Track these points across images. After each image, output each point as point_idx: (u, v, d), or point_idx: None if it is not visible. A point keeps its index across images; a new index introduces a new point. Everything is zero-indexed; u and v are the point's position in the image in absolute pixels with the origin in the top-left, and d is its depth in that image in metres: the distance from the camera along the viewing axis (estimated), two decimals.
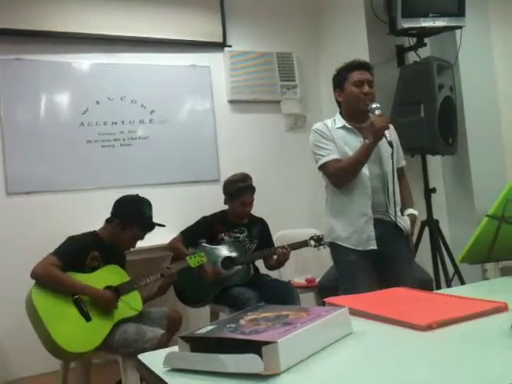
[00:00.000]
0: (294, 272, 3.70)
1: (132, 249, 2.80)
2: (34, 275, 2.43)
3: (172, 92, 4.15)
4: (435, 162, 3.94)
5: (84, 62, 3.89)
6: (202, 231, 3.26)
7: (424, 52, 3.81)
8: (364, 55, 3.80)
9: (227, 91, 4.35)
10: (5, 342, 3.44)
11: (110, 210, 2.75)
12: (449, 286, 3.36)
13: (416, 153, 3.58)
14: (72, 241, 2.57)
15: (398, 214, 2.42)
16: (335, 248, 2.47)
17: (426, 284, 3.14)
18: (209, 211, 3.34)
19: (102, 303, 2.47)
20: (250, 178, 3.32)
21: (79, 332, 2.40)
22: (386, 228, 2.37)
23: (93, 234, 2.69)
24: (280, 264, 3.30)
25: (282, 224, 3.83)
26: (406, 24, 3.55)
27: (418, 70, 3.58)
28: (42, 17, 3.70)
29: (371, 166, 2.37)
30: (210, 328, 1.00)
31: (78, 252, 2.54)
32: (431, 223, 3.54)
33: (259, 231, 3.37)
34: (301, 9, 4.68)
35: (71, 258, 2.49)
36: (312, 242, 3.29)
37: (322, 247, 3.25)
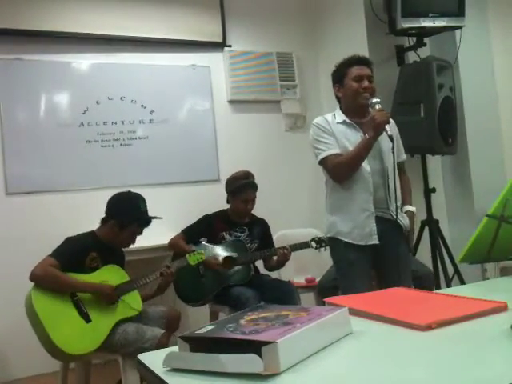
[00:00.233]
0: (293, 272, 3.69)
1: (132, 245, 2.78)
2: (33, 277, 2.42)
3: (172, 92, 4.15)
4: (435, 162, 3.94)
5: (84, 61, 3.90)
6: (203, 230, 3.26)
7: (424, 52, 3.80)
8: (364, 55, 3.79)
9: (227, 91, 4.35)
10: (4, 342, 3.44)
11: (105, 210, 2.74)
12: (448, 285, 3.36)
13: (416, 152, 3.58)
14: (70, 242, 2.57)
15: (399, 210, 2.42)
16: (336, 243, 2.45)
17: (426, 277, 3.13)
18: (208, 211, 3.34)
19: (104, 296, 2.47)
20: (253, 176, 3.32)
21: (79, 333, 2.39)
22: (386, 225, 2.37)
23: (91, 234, 2.68)
24: (280, 265, 3.30)
25: (281, 224, 3.83)
26: (406, 24, 3.55)
27: (417, 70, 3.58)
28: (41, 17, 3.71)
29: (372, 161, 2.36)
30: (209, 328, 1.00)
31: (77, 252, 2.53)
32: (431, 223, 3.54)
33: (260, 231, 3.37)
34: (301, 9, 4.68)
35: (70, 258, 2.49)
36: (313, 244, 3.27)
37: (322, 249, 3.23)
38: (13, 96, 3.65)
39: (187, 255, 2.88)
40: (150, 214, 2.75)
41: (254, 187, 3.29)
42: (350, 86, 2.40)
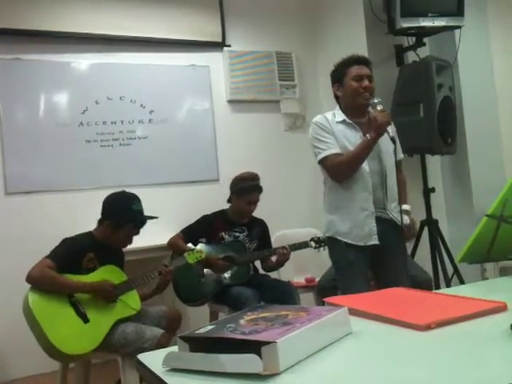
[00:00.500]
0: (293, 272, 3.69)
1: (129, 245, 2.76)
2: (29, 279, 2.41)
3: (171, 92, 4.15)
4: (434, 162, 3.94)
5: (83, 61, 3.89)
6: (203, 230, 3.26)
7: (423, 52, 3.80)
8: (363, 55, 3.79)
9: (226, 91, 4.34)
10: (4, 342, 3.44)
11: (101, 211, 2.72)
12: (448, 285, 3.36)
13: (415, 152, 3.58)
14: (67, 242, 2.56)
15: (396, 209, 2.41)
16: (334, 243, 2.44)
17: (425, 283, 3.13)
18: (208, 211, 3.33)
19: (102, 294, 2.46)
20: (259, 178, 3.32)
21: (77, 333, 2.39)
22: (384, 225, 2.37)
23: (88, 234, 2.67)
24: (280, 264, 3.30)
25: (281, 224, 3.83)
26: (405, 24, 3.55)
27: (417, 70, 3.58)
28: (40, 17, 3.70)
29: (370, 161, 2.35)
30: (209, 328, 1.00)
31: (74, 253, 2.52)
32: (430, 223, 3.54)
33: (259, 232, 3.37)
34: (300, 9, 4.68)
35: (66, 259, 2.47)
36: (312, 244, 3.28)
37: (322, 249, 3.24)
38: (12, 96, 3.64)
39: (185, 254, 2.86)
40: (148, 213, 2.73)
41: (260, 190, 3.29)
42: (349, 85, 2.39)
